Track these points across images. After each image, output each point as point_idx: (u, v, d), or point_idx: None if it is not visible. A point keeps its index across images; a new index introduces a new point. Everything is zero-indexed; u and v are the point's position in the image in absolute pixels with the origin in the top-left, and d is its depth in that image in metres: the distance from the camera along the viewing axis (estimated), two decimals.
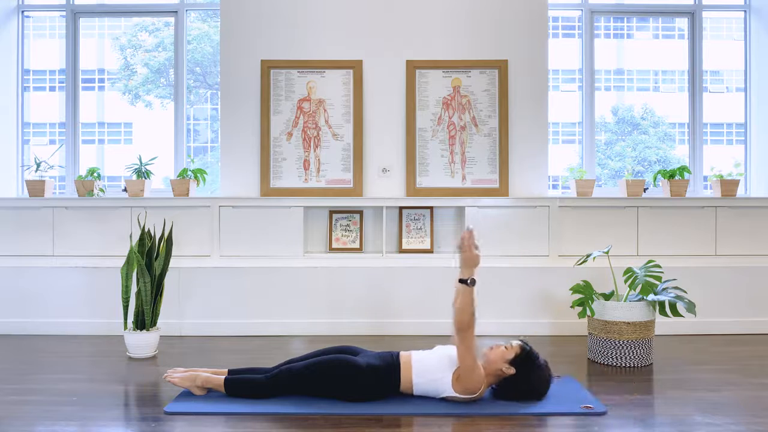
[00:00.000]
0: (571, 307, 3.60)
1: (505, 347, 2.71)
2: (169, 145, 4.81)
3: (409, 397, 2.75)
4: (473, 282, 2.53)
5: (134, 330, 3.61)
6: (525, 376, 2.66)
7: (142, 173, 4.48)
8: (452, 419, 2.54)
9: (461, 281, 2.55)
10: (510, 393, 2.70)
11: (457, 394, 2.65)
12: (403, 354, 2.78)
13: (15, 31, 4.84)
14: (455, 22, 4.51)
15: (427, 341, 3.98)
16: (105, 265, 4.21)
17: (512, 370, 2.66)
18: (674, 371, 3.30)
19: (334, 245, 4.44)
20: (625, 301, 3.48)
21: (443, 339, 3.99)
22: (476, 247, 2.55)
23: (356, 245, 4.44)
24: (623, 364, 3.38)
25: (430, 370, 2.69)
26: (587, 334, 3.58)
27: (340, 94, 4.50)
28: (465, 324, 2.55)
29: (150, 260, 3.64)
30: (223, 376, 2.80)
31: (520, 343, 2.72)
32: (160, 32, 5.01)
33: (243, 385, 2.76)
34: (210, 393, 2.81)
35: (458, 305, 2.56)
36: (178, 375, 2.83)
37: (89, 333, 4.15)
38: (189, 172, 4.49)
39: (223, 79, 4.51)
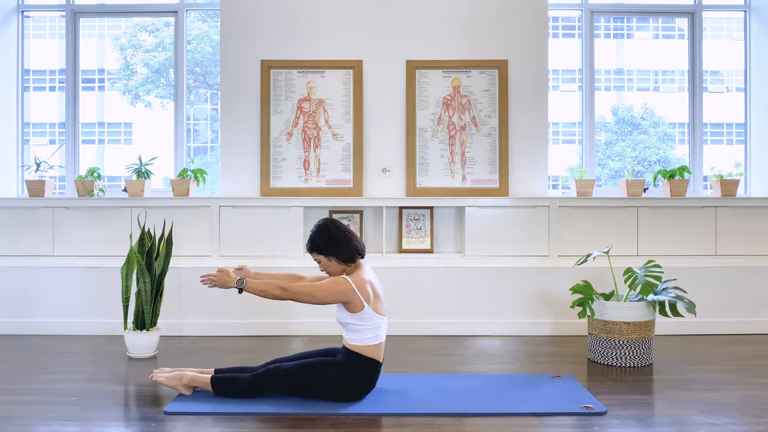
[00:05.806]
0: (571, 307, 3.60)
1: (317, 261, 2.82)
2: (169, 145, 4.81)
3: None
4: (241, 284, 2.76)
5: (134, 330, 3.61)
6: (336, 246, 2.76)
7: (142, 173, 4.48)
8: (452, 419, 2.54)
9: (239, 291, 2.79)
10: (350, 252, 2.78)
11: (362, 309, 2.70)
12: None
13: (15, 31, 4.84)
14: (455, 22, 4.51)
15: (427, 341, 4.00)
16: (105, 265, 4.20)
17: (334, 257, 2.77)
18: (674, 371, 3.30)
19: None
20: (625, 301, 3.48)
21: (443, 339, 4.01)
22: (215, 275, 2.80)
23: None
24: (623, 364, 3.38)
25: (349, 333, 2.77)
26: (587, 334, 3.58)
27: (340, 94, 4.50)
28: (281, 297, 2.74)
29: (150, 260, 3.64)
30: (210, 375, 2.80)
31: (307, 249, 2.82)
32: (160, 32, 5.01)
33: (229, 383, 2.76)
34: (205, 393, 2.80)
35: (266, 297, 2.78)
36: (164, 374, 2.84)
37: (89, 333, 4.14)
38: (189, 172, 4.48)
39: (223, 79, 4.51)
